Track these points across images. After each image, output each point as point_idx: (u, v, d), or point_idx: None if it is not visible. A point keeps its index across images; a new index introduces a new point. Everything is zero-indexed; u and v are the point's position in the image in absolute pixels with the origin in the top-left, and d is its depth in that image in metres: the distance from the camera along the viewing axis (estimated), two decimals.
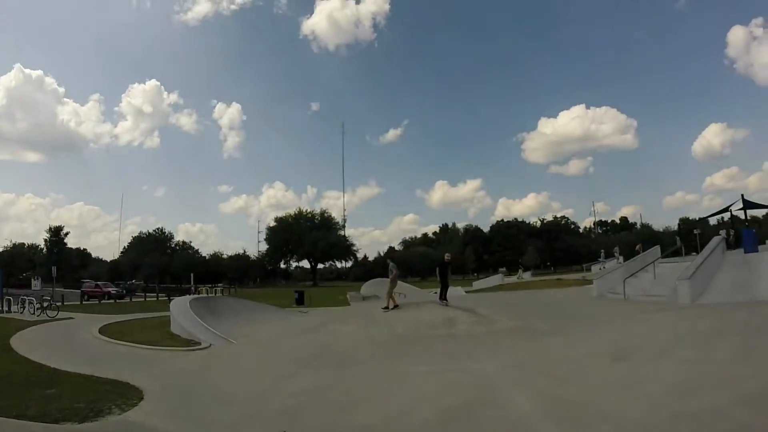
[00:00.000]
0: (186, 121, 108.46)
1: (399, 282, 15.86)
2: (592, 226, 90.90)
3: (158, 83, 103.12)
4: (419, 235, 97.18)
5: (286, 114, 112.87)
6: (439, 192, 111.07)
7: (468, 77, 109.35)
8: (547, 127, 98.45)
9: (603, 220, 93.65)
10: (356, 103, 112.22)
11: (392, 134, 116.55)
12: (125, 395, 6.75)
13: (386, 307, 13.47)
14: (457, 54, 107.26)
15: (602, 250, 51.63)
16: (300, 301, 26.08)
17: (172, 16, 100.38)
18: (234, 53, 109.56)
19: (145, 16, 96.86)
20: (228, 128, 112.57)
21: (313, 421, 5.57)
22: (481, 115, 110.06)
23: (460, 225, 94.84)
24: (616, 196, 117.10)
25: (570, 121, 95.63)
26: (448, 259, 15.18)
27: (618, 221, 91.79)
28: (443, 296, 13.76)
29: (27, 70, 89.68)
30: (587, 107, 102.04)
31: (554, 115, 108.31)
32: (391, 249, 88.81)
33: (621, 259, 34.65)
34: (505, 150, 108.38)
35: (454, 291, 24.73)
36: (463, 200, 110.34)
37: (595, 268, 46.12)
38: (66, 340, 13.28)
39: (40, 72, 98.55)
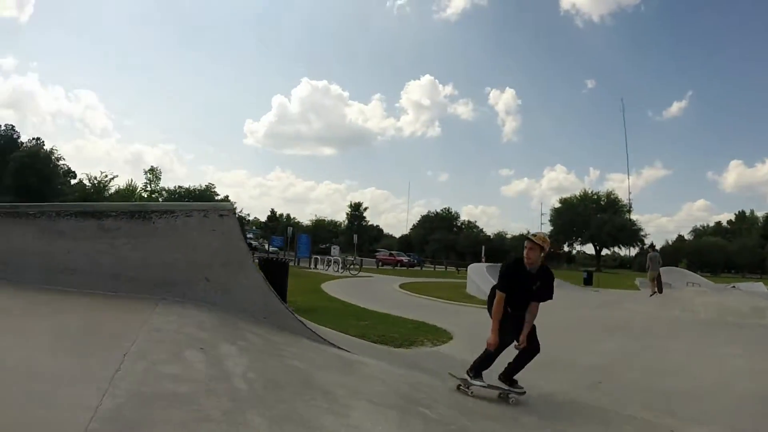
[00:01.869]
0: (463, 110, 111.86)
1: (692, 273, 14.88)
2: None
3: (432, 78, 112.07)
4: (711, 224, 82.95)
5: (561, 94, 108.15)
6: (733, 174, 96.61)
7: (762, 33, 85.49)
8: None
9: None
10: (633, 76, 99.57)
11: (676, 107, 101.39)
12: (434, 334, 7.98)
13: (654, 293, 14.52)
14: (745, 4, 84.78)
15: None
16: (588, 281, 26.04)
17: (431, 15, 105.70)
18: (498, 41, 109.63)
19: (407, 21, 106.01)
20: (504, 113, 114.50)
21: (625, 378, 5.93)
22: None
23: (760, 213, 77.68)
24: None
25: None
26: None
27: None
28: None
29: (313, 82, 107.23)
30: None
31: None
32: (680, 238, 78.16)
33: None
34: None
35: (755, 287, 21.80)
36: (763, 183, 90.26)
37: None
38: (370, 291, 15.89)
39: (324, 82, 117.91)
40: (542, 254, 4.58)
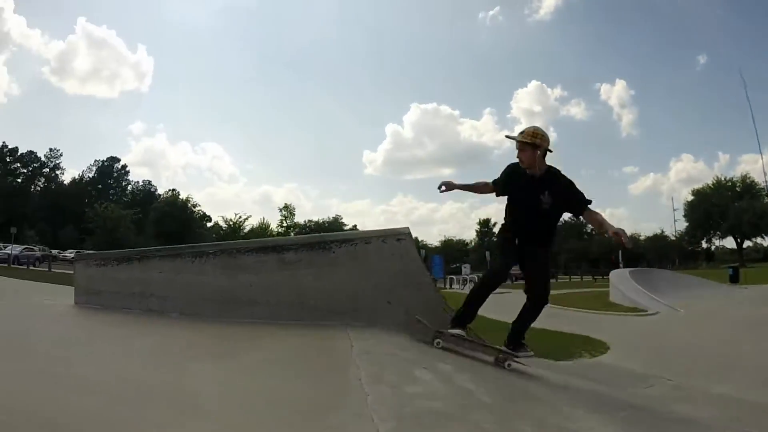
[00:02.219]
0: (576, 110, 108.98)
1: None
2: None
3: (539, 82, 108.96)
4: None
5: (673, 76, 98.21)
6: None
7: None
8: None
9: None
10: (749, 43, 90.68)
11: None
12: (590, 344, 7.68)
13: None
14: None
15: None
16: (735, 278, 23.53)
17: (525, 20, 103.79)
18: (597, 32, 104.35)
19: (503, 29, 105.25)
20: (619, 107, 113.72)
21: None
22: None
23: None
24: None
25: None
26: None
27: None
28: None
29: (422, 105, 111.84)
30: None
31: None
32: None
33: None
34: None
35: None
36: None
37: None
38: (511, 306, 14.90)
39: (434, 104, 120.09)
40: (540, 153, 3.74)
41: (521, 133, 3.83)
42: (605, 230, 3.76)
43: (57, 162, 72.03)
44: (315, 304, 4.24)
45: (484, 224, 79.19)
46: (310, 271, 4.27)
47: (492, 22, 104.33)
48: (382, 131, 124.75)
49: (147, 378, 2.75)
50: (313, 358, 3.41)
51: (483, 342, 4.20)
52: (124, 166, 78.21)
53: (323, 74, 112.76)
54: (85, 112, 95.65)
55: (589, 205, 3.83)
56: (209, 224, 69.80)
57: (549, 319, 10.69)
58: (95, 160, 76.36)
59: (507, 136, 4.11)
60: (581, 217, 3.90)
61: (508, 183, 3.93)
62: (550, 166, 3.86)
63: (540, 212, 3.79)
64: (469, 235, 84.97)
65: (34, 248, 41.41)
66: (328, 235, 4.86)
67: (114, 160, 77.18)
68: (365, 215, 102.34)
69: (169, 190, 71.49)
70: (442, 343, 3.85)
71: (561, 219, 4.29)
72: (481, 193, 4.18)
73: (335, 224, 69.30)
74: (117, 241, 49.57)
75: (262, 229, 67.86)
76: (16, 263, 32.78)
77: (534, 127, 3.87)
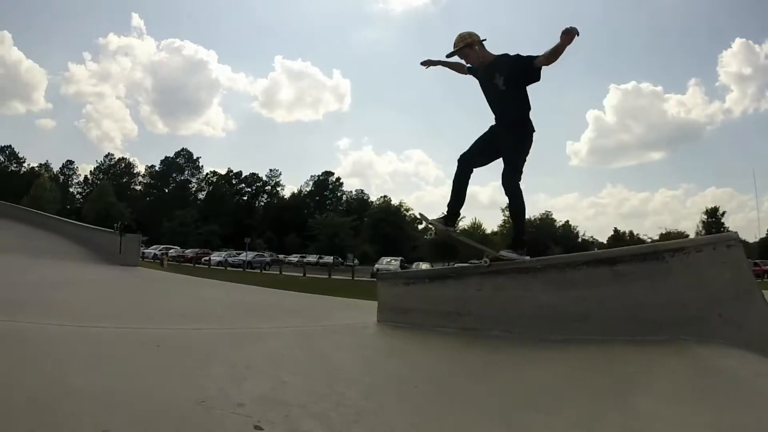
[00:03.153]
0: None
1: None
2: None
3: (744, 39, 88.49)
4: None
5: None
6: None
7: None
8: None
9: None
10: None
11: None
12: None
13: None
14: None
15: None
16: None
17: None
18: None
19: None
20: None
21: None
22: None
23: None
24: None
25: None
26: None
27: None
28: None
29: (621, 86, 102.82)
30: None
31: None
32: None
33: None
34: None
35: None
36: None
37: None
38: None
39: (633, 83, 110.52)
40: (477, 47, 4.07)
41: (454, 46, 4.10)
42: (561, 47, 3.66)
43: (277, 180, 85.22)
44: (646, 317, 3.86)
45: (712, 213, 69.26)
46: (643, 283, 3.88)
47: None
48: (582, 119, 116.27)
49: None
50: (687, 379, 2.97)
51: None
52: (338, 179, 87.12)
53: None
54: (296, 135, 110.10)
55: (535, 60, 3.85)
56: (420, 226, 73.62)
57: None
58: (311, 176, 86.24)
59: (447, 56, 4.27)
60: (540, 71, 3.88)
61: (475, 75, 4.26)
62: (496, 55, 4.11)
63: (499, 95, 4.07)
64: (685, 225, 76.30)
65: (264, 254, 49.62)
66: (661, 245, 4.42)
67: (328, 173, 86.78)
68: (573, 209, 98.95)
69: (381, 197, 78.19)
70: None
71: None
72: (461, 72, 4.43)
73: (547, 221, 69.13)
74: (337, 246, 58.24)
75: (474, 229, 69.07)
76: (249, 267, 39.61)
77: (459, 34, 4.15)
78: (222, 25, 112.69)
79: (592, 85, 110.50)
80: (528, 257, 4.19)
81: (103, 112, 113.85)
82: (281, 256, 52.27)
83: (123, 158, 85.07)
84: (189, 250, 49.09)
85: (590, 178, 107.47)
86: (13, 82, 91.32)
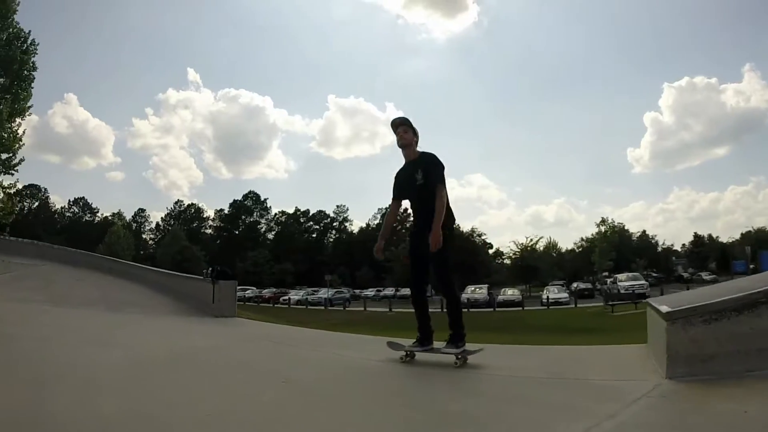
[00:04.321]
0: None
1: None
2: None
3: None
4: None
5: None
6: None
7: None
8: None
9: None
10: None
11: None
12: None
13: None
14: None
15: None
16: None
17: None
18: None
19: None
20: None
21: None
22: None
23: None
24: None
25: None
26: None
27: None
28: None
29: (675, 84, 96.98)
30: None
31: None
32: None
33: None
34: None
35: None
36: None
37: None
38: None
39: (686, 78, 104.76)
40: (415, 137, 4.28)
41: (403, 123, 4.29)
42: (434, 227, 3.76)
43: (345, 215, 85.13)
44: None
45: None
46: None
47: None
48: (640, 123, 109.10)
49: None
50: None
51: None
52: (405, 209, 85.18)
53: (559, 81, 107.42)
54: (356, 170, 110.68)
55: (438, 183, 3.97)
56: (491, 250, 71.66)
57: None
58: (378, 208, 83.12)
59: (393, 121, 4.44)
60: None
61: (399, 187, 4.42)
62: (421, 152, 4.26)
63: (417, 191, 4.14)
64: (761, 221, 69.72)
65: (343, 290, 47.87)
66: None
67: None
68: (642, 218, 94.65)
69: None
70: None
71: None
72: (394, 219, 4.92)
73: (625, 235, 65.08)
74: None
75: (551, 247, 67.60)
76: (330, 305, 37.74)
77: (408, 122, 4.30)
78: (273, 71, 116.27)
79: (644, 87, 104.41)
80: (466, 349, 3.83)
81: (169, 162, 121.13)
82: (356, 291, 50.42)
83: (192, 204, 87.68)
84: (266, 290, 48.33)
85: (656, 184, 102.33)
86: (83, 140, 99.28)
